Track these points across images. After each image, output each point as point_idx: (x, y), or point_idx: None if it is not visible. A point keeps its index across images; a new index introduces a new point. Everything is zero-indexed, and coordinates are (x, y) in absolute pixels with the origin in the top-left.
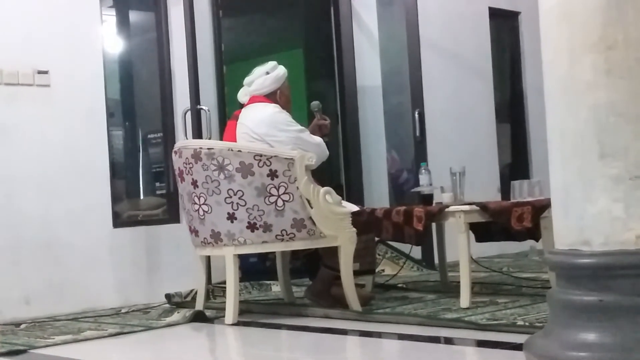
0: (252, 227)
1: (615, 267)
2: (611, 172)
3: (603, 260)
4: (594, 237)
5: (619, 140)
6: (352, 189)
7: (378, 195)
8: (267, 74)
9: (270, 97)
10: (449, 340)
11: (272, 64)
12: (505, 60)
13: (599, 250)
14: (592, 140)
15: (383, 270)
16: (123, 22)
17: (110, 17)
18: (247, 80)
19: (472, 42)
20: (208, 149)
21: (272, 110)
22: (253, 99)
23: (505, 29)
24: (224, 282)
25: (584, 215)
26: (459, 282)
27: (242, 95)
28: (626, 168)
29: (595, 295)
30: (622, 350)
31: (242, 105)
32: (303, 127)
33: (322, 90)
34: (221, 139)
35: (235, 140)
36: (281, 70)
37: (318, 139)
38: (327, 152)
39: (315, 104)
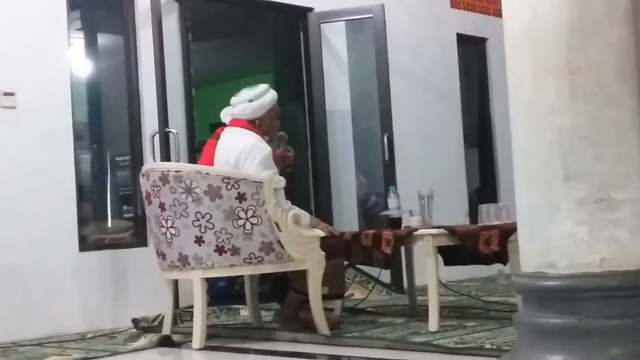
0: (220, 250)
1: (580, 289)
2: (576, 195)
3: (568, 283)
4: (559, 260)
5: (583, 163)
6: (321, 213)
7: (347, 219)
8: (249, 102)
9: (252, 123)
10: None
11: (260, 89)
12: (473, 85)
13: (564, 273)
14: (557, 163)
15: (352, 294)
16: (91, 45)
17: (79, 40)
18: (232, 100)
19: (441, 68)
20: (176, 171)
21: (250, 142)
22: (234, 122)
23: (473, 55)
24: (192, 307)
25: (549, 238)
26: (427, 305)
27: (225, 115)
28: (590, 191)
29: (561, 318)
30: None
31: (224, 124)
32: (274, 171)
33: (291, 114)
34: (198, 158)
35: (212, 159)
36: (267, 98)
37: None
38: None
39: (280, 134)
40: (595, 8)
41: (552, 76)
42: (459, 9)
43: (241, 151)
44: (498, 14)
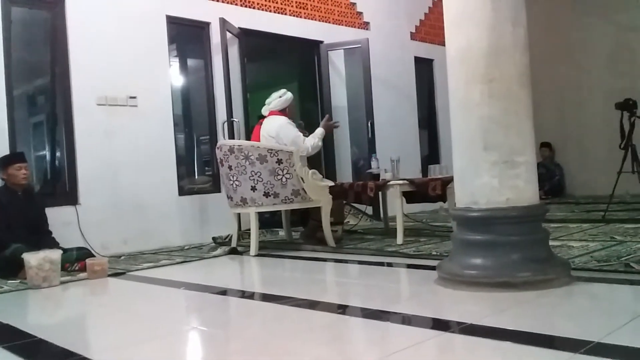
0: (266, 194)
1: (493, 218)
2: (490, 159)
3: (486, 214)
4: (480, 200)
5: (495, 138)
6: (329, 171)
7: (345, 175)
8: (279, 97)
9: (282, 111)
10: (390, 264)
11: (283, 90)
12: (424, 89)
13: (483, 208)
14: (479, 138)
15: (348, 222)
16: (183, 65)
17: (175, 63)
18: (267, 100)
19: (404, 78)
20: (238, 145)
21: (282, 121)
22: (271, 113)
23: (424, 70)
24: (249, 229)
25: (473, 186)
26: (396, 228)
27: (265, 110)
28: (500, 156)
29: (480, 236)
30: (497, 269)
31: (264, 116)
32: (299, 134)
33: (309, 109)
34: (250, 138)
35: (259, 138)
36: (289, 95)
37: (306, 144)
38: (310, 150)
39: (299, 122)
40: (505, 39)
41: (477, 83)
42: (416, 40)
43: (279, 125)
44: (441, 43)
